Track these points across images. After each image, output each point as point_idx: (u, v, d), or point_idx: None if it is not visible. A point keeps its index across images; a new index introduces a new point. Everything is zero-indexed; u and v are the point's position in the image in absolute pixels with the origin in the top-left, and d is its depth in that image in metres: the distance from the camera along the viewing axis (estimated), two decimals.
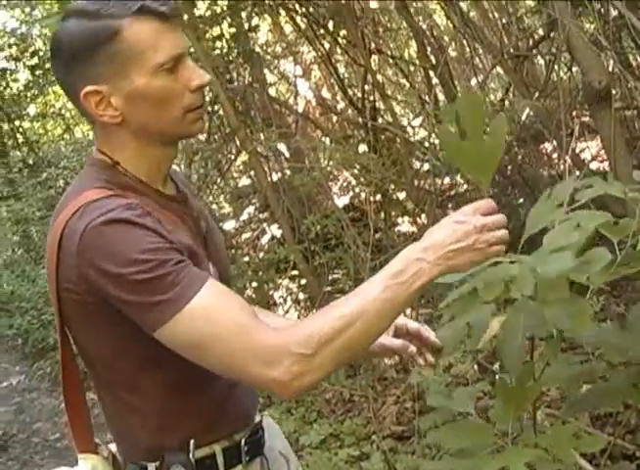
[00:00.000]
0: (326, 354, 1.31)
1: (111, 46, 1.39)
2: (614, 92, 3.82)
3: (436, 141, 5.31)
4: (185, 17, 5.70)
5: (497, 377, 1.58)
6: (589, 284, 1.39)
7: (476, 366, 4.03)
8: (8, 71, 10.69)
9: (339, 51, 6.99)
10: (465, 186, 6.47)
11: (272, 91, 7.38)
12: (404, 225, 6.75)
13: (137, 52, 1.40)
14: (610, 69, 4.12)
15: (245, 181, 7.69)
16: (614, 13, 4.25)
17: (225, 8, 6.19)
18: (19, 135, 11.73)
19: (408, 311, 3.92)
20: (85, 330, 1.46)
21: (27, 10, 10.21)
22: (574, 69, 4.83)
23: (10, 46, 10.62)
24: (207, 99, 6.63)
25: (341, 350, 1.33)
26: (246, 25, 6.24)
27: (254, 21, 6.52)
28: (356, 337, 1.33)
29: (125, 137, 1.47)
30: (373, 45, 6.50)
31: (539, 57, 6.84)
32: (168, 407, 1.49)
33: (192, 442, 1.48)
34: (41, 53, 9.72)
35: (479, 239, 1.35)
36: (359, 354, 1.76)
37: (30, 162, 10.89)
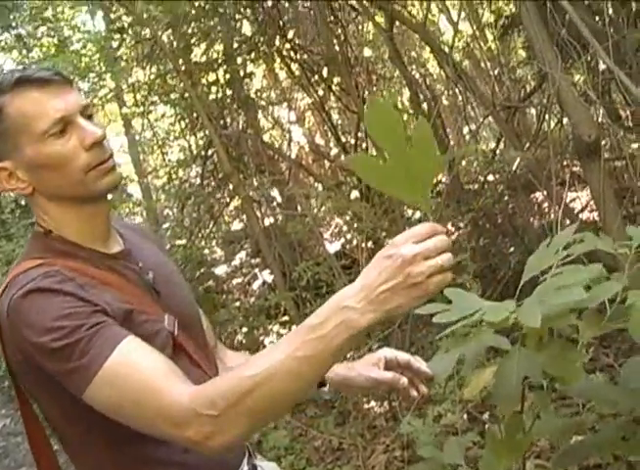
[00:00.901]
0: (233, 416, 1.25)
1: None
2: (603, 143, 3.87)
3: None
4: (180, 62, 5.78)
5: (487, 427, 1.57)
6: (579, 338, 1.38)
7: (465, 416, 4.01)
8: None
9: (332, 98, 7.06)
10: (456, 234, 6.50)
11: (266, 137, 7.43)
12: None
13: (23, 124, 1.42)
14: (599, 120, 4.17)
15: (237, 226, 7.71)
16: (602, 66, 4.32)
17: (221, 54, 6.27)
18: None
19: None
20: (36, 395, 1.48)
21: (24, 52, 10.29)
22: (565, 120, 4.89)
23: None
24: (201, 143, 6.69)
25: (251, 410, 1.26)
26: (241, 72, 6.32)
27: (249, 67, 6.61)
28: (268, 397, 1.25)
29: (44, 204, 1.50)
30: (366, 93, 6.57)
31: (531, 107, 6.92)
32: (122, 467, 1.47)
33: None
34: None
35: (411, 273, 1.18)
36: (285, 411, 1.68)
37: (22, 203, 10.88)
